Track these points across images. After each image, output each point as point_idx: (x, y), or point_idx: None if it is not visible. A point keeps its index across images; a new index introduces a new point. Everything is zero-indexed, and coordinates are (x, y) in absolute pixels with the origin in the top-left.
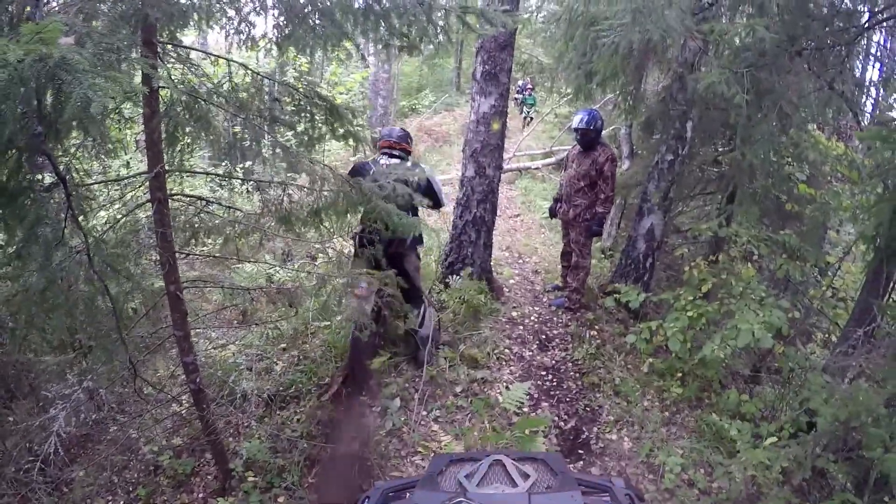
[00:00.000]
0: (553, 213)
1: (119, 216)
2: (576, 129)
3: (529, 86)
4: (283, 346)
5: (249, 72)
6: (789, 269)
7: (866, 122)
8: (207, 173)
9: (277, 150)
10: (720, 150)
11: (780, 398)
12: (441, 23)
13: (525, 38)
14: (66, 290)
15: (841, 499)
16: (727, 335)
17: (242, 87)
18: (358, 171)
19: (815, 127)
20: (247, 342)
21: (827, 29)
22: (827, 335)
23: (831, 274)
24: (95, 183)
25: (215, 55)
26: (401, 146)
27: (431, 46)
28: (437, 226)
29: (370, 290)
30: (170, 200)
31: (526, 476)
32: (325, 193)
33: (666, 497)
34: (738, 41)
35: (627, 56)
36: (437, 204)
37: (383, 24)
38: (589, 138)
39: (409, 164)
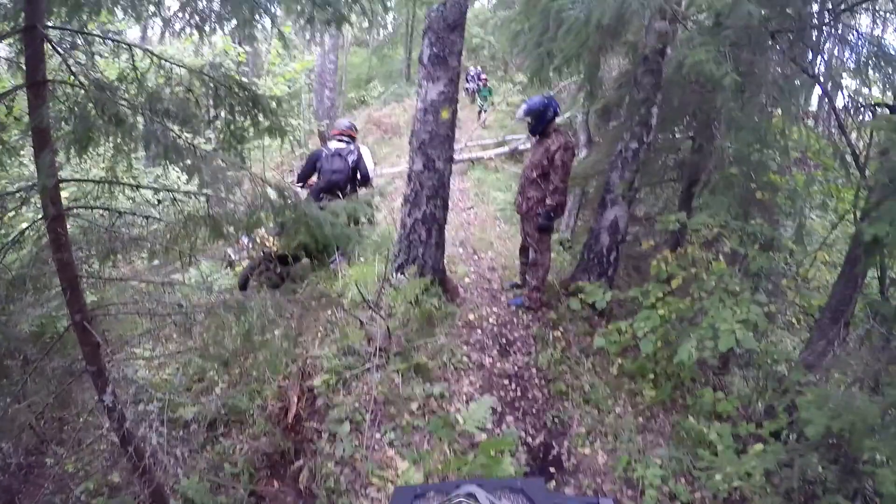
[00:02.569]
0: None
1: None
2: (520, 120)
3: (483, 76)
4: (225, 362)
5: (156, 59)
6: (762, 262)
7: (840, 108)
8: (107, 182)
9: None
10: (678, 136)
11: (758, 393)
12: None
13: (476, 26)
14: None
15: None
16: (703, 334)
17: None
18: (315, 156)
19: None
20: (185, 360)
21: (807, 9)
22: (796, 321)
23: (807, 264)
24: None
25: (116, 40)
26: (347, 133)
27: (389, 21)
28: (386, 225)
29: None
30: (69, 216)
31: None
32: (242, 200)
33: None
34: (719, 18)
35: (597, 30)
36: (364, 179)
37: None
38: (536, 127)
39: (351, 146)
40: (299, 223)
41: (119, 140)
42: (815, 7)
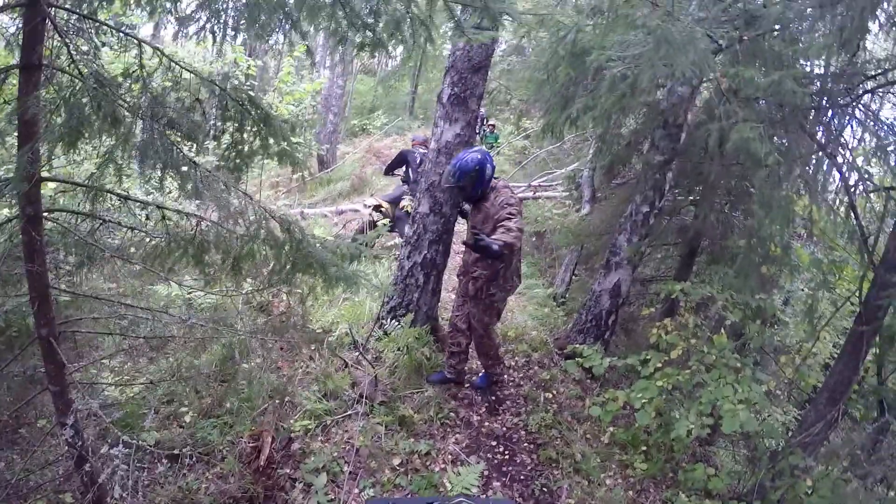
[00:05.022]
0: None
1: None
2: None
3: (492, 122)
4: (196, 388)
5: (165, 59)
6: (764, 338)
7: (855, 187)
8: (92, 188)
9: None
10: (680, 199)
11: (749, 471)
12: (422, 13)
13: None
14: None
15: None
16: (702, 410)
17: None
18: (404, 155)
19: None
20: (155, 377)
21: (827, 88)
22: (784, 395)
23: (809, 343)
24: None
25: (126, 32)
26: (426, 145)
27: (398, 52)
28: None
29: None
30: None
31: None
32: (240, 232)
33: None
34: (758, 91)
35: (640, 92)
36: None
37: (342, 7)
38: (474, 191)
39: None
40: (301, 263)
41: (112, 141)
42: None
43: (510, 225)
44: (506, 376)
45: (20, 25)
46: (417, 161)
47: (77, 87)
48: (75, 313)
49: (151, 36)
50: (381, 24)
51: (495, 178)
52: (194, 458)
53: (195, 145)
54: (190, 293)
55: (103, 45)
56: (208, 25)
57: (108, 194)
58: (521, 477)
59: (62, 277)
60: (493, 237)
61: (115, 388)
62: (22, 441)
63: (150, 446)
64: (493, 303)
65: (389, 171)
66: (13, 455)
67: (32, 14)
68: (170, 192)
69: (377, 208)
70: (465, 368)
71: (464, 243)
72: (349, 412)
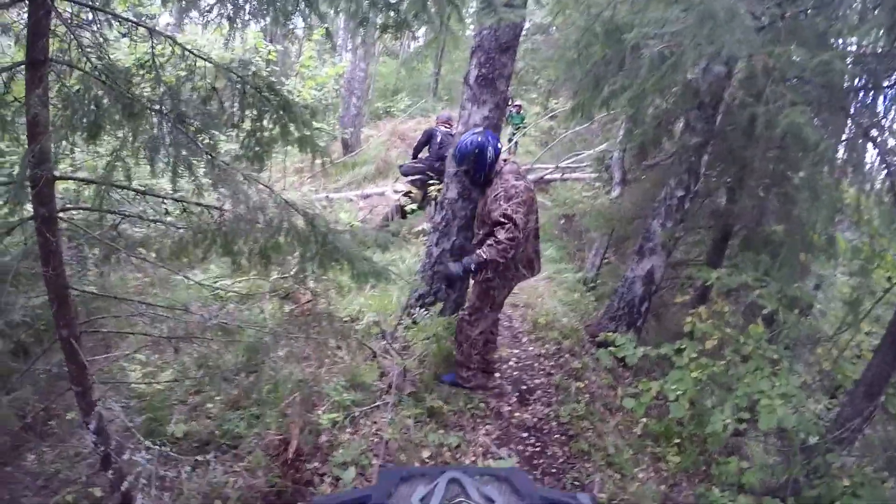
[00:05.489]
0: None
1: None
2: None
3: (518, 102)
4: (224, 378)
5: (178, 48)
6: (801, 329)
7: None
8: (107, 184)
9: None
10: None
11: (785, 466)
12: None
13: None
14: None
15: None
16: (738, 404)
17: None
18: (430, 132)
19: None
20: (182, 368)
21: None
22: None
23: (849, 335)
24: None
25: (133, 21)
26: (451, 122)
27: (421, 33)
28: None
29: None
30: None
31: (490, 501)
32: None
33: None
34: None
35: (681, 71)
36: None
37: None
38: (477, 175)
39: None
40: (328, 257)
41: (127, 136)
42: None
43: (499, 237)
44: (536, 364)
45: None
46: (438, 139)
47: (89, 82)
48: (99, 308)
49: (171, 26)
50: (405, 4)
51: (504, 161)
52: (223, 449)
53: (212, 136)
54: (216, 281)
55: (123, 35)
56: (224, 12)
57: (126, 190)
58: (553, 470)
59: (88, 271)
60: (478, 251)
61: (141, 375)
62: (51, 434)
63: (178, 438)
64: (488, 288)
65: (416, 152)
66: (42, 447)
67: (36, 8)
68: (191, 183)
69: (407, 194)
70: (496, 357)
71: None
72: (377, 403)
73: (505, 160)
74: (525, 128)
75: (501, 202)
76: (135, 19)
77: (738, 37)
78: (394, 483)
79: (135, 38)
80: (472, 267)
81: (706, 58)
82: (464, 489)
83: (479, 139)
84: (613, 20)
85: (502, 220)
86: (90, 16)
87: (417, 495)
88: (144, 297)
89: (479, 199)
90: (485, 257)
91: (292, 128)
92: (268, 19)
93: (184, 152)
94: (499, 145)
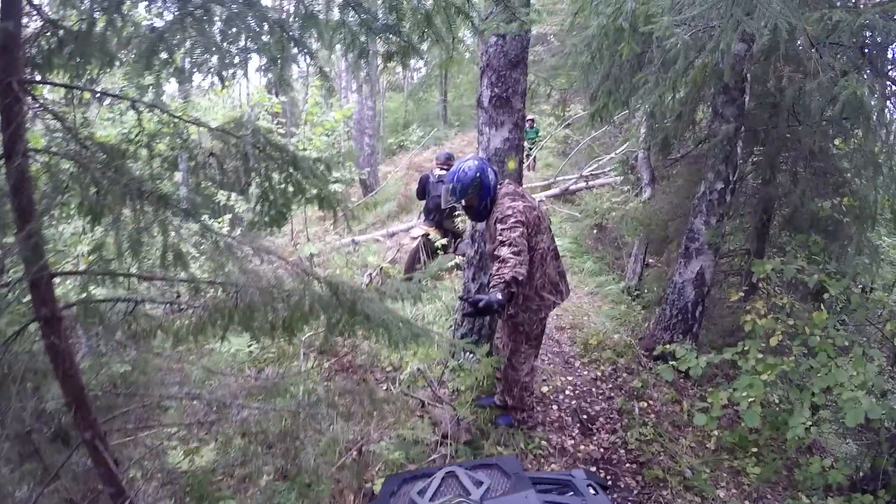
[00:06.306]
0: None
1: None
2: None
3: (530, 117)
4: (269, 445)
5: (166, 116)
6: (868, 308)
7: None
8: (107, 274)
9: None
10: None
11: (872, 458)
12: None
13: None
14: None
15: None
16: (817, 402)
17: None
18: (425, 178)
19: None
20: (225, 439)
21: None
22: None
23: None
24: None
25: (114, 95)
26: (449, 163)
27: (427, 57)
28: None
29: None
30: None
31: (479, 483)
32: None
33: None
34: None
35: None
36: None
37: (353, 9)
38: (478, 211)
39: None
40: (358, 325)
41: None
42: None
43: (503, 254)
44: (593, 389)
45: None
46: (433, 182)
47: (76, 169)
48: (125, 400)
49: (178, 94)
50: (406, 24)
51: (499, 185)
52: None
53: (213, 213)
54: (250, 345)
55: (85, 120)
56: (208, 67)
57: (129, 277)
58: (629, 503)
59: (111, 353)
60: (495, 277)
61: (184, 457)
62: None
63: None
64: (515, 325)
65: (420, 196)
66: None
67: (5, 94)
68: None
69: (426, 237)
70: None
71: (463, 306)
72: (433, 456)
73: (499, 184)
74: (541, 141)
75: (498, 226)
76: (117, 93)
77: (778, 7)
78: (397, 484)
79: (112, 112)
80: (499, 296)
81: (738, 35)
82: (457, 479)
83: (476, 163)
84: (637, 14)
85: (500, 238)
86: (70, 95)
87: (416, 489)
88: (181, 364)
89: (485, 232)
90: (504, 279)
91: (306, 184)
92: (258, 64)
93: (172, 238)
94: (494, 168)
